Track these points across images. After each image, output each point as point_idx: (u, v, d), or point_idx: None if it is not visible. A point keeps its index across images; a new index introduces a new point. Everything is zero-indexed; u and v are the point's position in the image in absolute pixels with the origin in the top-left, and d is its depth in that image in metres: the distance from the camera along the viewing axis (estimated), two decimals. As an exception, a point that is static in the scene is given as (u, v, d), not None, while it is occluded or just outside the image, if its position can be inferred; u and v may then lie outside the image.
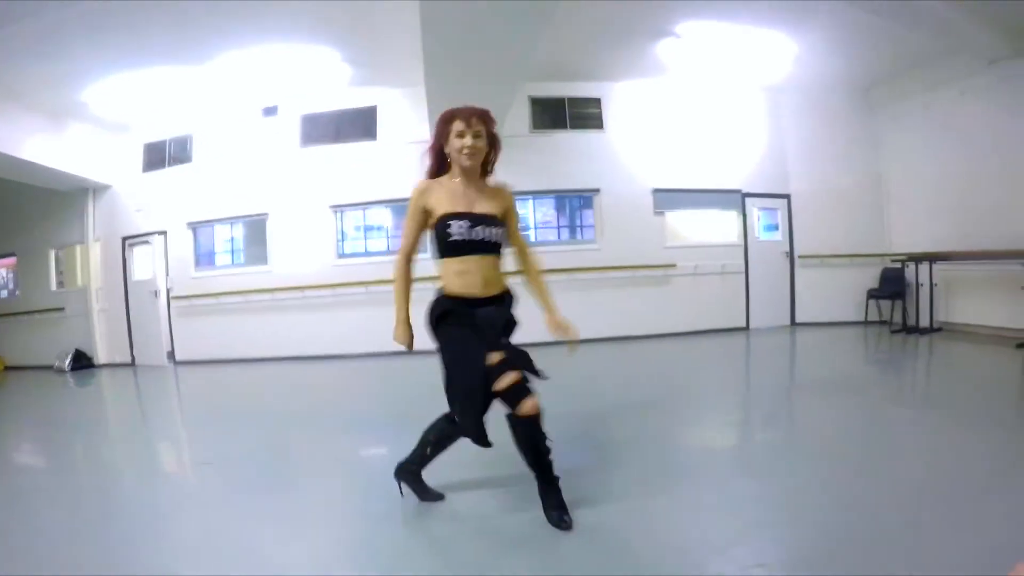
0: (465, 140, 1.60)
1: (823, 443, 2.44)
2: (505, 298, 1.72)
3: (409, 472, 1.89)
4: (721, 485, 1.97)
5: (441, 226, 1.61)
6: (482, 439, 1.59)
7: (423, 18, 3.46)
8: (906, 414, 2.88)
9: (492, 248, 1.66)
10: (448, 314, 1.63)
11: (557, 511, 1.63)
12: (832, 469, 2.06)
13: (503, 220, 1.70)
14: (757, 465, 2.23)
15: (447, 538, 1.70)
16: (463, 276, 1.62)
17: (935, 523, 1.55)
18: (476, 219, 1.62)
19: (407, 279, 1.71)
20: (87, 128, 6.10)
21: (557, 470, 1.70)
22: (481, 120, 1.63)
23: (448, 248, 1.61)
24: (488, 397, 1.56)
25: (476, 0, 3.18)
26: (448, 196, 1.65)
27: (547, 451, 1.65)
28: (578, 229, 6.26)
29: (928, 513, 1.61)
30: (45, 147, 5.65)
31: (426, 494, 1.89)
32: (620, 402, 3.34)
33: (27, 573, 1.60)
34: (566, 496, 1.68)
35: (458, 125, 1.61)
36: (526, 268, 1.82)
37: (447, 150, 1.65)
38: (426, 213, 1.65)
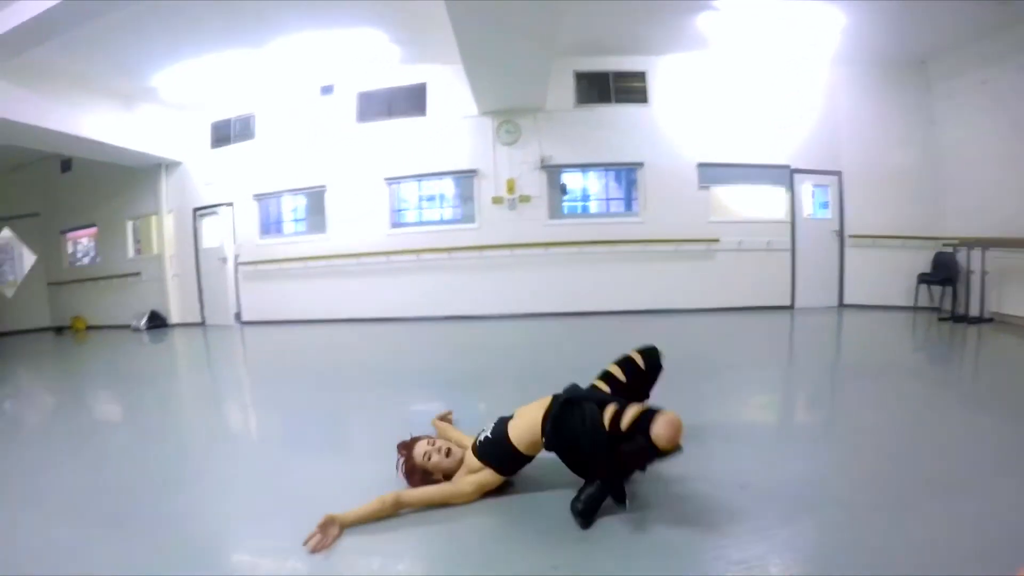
0: None
1: (857, 425, 2.39)
2: None
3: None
4: (742, 457, 1.98)
5: None
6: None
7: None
8: (944, 405, 2.75)
9: None
10: None
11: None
12: (860, 452, 2.03)
13: None
14: (786, 440, 2.29)
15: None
16: None
17: (949, 514, 1.50)
18: None
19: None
20: (158, 110, 6.61)
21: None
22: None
23: None
24: None
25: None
26: None
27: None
28: (624, 201, 6.34)
29: (944, 504, 1.56)
30: (120, 130, 6.19)
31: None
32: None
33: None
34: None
35: None
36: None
37: None
38: None
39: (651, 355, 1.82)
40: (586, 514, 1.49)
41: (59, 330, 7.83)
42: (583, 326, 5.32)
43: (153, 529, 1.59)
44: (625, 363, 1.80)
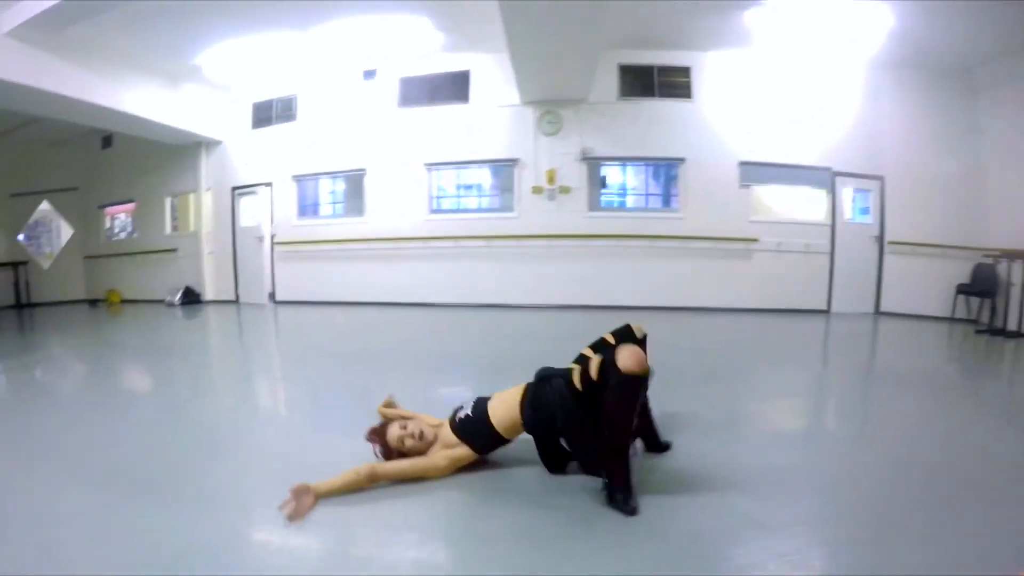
0: None
1: (890, 432, 2.37)
2: None
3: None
4: (776, 453, 2.00)
5: None
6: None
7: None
8: (977, 417, 2.67)
9: None
10: None
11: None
12: (893, 456, 2.02)
13: None
14: (821, 439, 2.30)
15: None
16: None
17: (959, 520, 1.49)
18: None
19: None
20: (201, 89, 6.69)
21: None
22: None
23: None
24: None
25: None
26: None
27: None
28: (662, 197, 6.31)
29: (954, 511, 1.56)
30: (162, 107, 6.26)
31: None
32: (692, 373, 3.20)
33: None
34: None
35: None
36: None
37: None
38: None
39: (623, 333, 1.85)
40: (623, 503, 1.49)
41: (93, 302, 7.97)
42: (618, 320, 5.28)
43: (187, 498, 1.61)
44: (597, 344, 1.86)
